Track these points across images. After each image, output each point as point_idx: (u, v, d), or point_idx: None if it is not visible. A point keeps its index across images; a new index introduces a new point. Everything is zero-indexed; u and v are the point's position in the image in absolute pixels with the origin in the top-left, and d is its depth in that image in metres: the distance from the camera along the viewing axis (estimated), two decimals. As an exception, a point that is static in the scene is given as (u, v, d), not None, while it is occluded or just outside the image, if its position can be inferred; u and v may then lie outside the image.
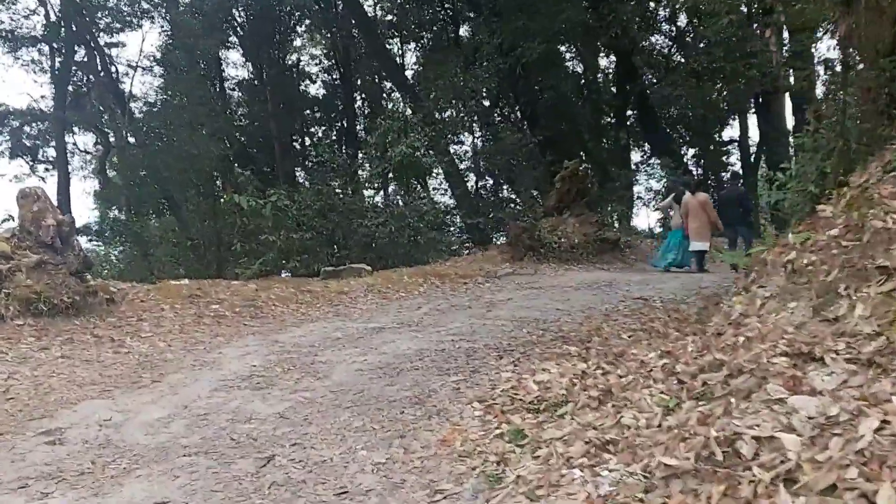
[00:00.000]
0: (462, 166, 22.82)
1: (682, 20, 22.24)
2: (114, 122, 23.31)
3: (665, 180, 20.39)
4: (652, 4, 21.15)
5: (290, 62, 26.61)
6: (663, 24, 22.79)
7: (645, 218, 44.33)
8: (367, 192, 18.38)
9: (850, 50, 5.84)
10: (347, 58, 25.30)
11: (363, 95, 27.04)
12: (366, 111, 26.29)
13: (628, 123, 24.55)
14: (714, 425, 2.42)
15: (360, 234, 14.00)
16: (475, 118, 22.20)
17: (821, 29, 10.26)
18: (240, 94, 27.22)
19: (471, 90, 19.67)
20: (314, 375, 4.68)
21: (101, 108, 24.81)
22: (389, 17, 25.13)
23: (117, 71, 24.56)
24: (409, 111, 19.03)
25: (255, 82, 25.59)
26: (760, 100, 21.25)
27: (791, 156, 14.38)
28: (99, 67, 23.63)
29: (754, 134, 24.01)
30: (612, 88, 24.44)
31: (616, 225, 18.76)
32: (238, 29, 24.92)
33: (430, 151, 17.43)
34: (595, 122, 23.66)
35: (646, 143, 24.61)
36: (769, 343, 2.88)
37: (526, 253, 12.01)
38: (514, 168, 20.24)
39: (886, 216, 3.12)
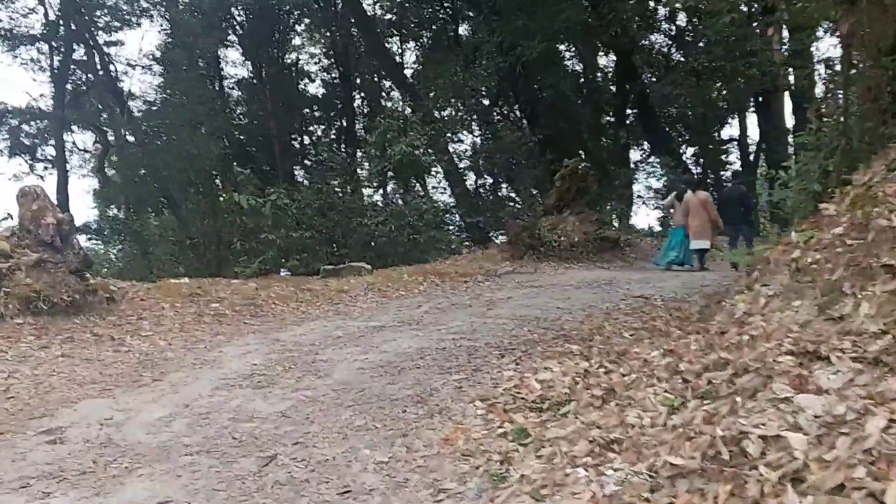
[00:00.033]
0: (462, 165, 22.77)
1: (682, 19, 22.23)
2: (113, 120, 23.29)
3: (665, 179, 20.41)
4: (652, 3, 21.13)
5: (289, 61, 26.53)
6: (663, 23, 22.78)
7: (644, 216, 44.42)
8: (366, 191, 18.41)
9: (852, 48, 5.82)
10: (347, 56, 25.25)
11: (363, 94, 26.99)
12: (365, 110, 26.24)
13: (628, 122, 24.51)
14: (720, 424, 2.41)
15: (360, 233, 14.01)
16: (475, 117, 22.19)
17: (821, 28, 10.24)
18: (239, 93, 27.16)
19: (470, 89, 19.65)
20: (315, 374, 4.67)
21: (100, 106, 24.76)
22: (389, 16, 25.10)
23: (116, 69, 24.54)
24: (408, 110, 18.99)
25: (255, 81, 25.52)
26: (760, 99, 21.23)
27: (791, 154, 14.37)
28: (98, 66, 23.60)
29: (754, 133, 24.07)
30: (612, 87, 24.39)
31: (616, 223, 18.77)
32: (237, 27, 24.88)
33: (430, 150, 17.41)
34: (595, 121, 23.62)
35: (645, 142, 24.59)
36: (774, 342, 2.87)
37: (526, 251, 12.00)
38: (514, 167, 20.22)
39: (891, 214, 3.11)
